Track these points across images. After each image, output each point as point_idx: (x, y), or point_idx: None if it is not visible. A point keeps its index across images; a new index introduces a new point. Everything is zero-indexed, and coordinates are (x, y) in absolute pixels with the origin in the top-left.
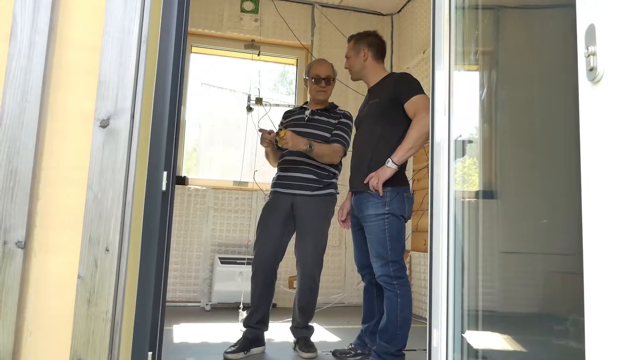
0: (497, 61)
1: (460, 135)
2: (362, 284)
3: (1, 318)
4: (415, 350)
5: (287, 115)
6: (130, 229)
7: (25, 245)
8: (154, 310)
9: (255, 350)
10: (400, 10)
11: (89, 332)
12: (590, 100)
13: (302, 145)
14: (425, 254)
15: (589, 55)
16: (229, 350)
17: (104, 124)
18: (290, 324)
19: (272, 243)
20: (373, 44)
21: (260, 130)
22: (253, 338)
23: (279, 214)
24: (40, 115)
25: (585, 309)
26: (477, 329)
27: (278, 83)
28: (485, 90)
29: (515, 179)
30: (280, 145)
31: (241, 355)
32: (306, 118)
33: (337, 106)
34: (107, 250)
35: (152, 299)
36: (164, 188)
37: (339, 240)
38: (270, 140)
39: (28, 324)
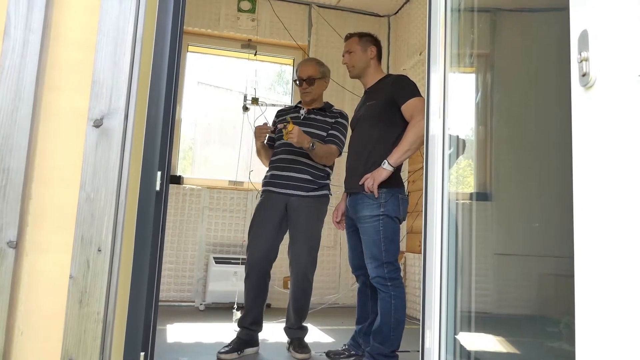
0: (492, 64)
1: (455, 137)
2: (357, 285)
3: None
4: (409, 351)
5: (280, 114)
6: (123, 229)
7: (17, 245)
8: (146, 311)
9: (249, 351)
10: (397, 12)
11: (80, 332)
12: (583, 105)
13: (306, 143)
14: (420, 255)
15: (581, 61)
16: (223, 350)
17: (98, 124)
18: (284, 325)
19: (266, 244)
20: (377, 44)
21: (259, 127)
22: (247, 339)
23: (273, 214)
24: (33, 113)
25: (575, 310)
26: (469, 330)
27: (275, 83)
28: (480, 92)
29: (510, 181)
30: (285, 139)
31: (234, 355)
32: (302, 117)
33: (332, 105)
34: (100, 251)
35: (145, 299)
36: (157, 188)
37: (334, 241)
38: (265, 135)
39: (19, 324)
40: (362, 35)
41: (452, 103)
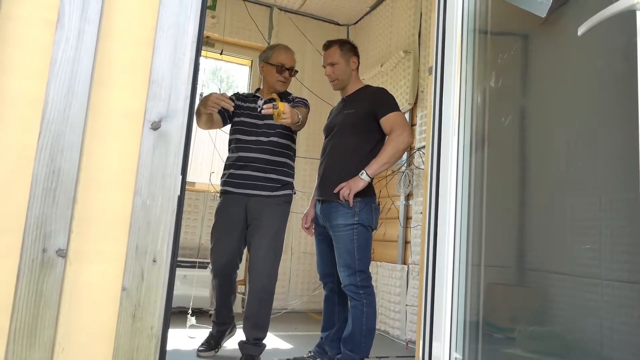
0: (504, 84)
1: (469, 155)
2: (317, 292)
3: (38, 333)
4: (387, 357)
5: (240, 97)
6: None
7: (65, 254)
8: (164, 322)
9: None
10: (357, 22)
11: (132, 349)
12: None
13: (296, 117)
14: (380, 263)
15: None
16: (201, 348)
17: (155, 126)
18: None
19: (228, 252)
20: (357, 53)
21: (218, 96)
22: (220, 335)
23: (235, 216)
24: (87, 112)
25: None
26: (479, 343)
27: (209, 80)
28: (493, 113)
29: (527, 200)
30: (277, 122)
31: (212, 353)
32: (259, 109)
33: (290, 93)
34: (155, 261)
35: (170, 310)
36: (179, 193)
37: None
38: (218, 107)
39: (60, 339)
40: (342, 45)
41: (467, 121)
